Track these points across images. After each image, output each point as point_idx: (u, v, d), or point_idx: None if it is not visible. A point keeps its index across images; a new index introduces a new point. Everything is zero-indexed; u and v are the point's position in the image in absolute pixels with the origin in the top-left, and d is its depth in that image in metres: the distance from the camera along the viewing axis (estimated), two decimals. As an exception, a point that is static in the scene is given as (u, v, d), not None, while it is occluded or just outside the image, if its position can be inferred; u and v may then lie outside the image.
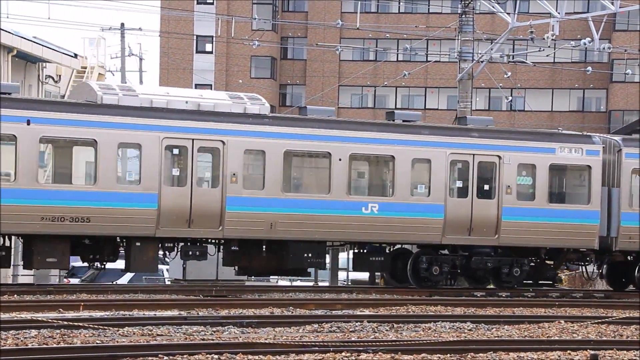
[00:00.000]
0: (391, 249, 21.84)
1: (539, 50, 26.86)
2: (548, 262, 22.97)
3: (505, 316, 17.49)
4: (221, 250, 20.65)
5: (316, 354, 11.95)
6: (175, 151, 19.59)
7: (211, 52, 60.93)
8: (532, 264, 22.59)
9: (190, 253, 19.92)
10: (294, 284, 26.83)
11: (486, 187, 21.68)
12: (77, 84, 34.67)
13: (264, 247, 20.63)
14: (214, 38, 57.49)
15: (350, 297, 20.20)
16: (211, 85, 60.62)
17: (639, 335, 15.53)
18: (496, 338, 14.52)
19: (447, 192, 21.28)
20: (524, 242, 22.06)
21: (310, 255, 20.71)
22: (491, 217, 21.56)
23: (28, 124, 18.50)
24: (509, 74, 32.31)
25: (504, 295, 21.83)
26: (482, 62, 27.06)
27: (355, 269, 22.56)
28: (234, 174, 19.74)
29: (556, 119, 57.96)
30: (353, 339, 13.69)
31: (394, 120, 21.72)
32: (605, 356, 12.68)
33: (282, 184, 20.19)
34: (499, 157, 21.67)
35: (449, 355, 12.33)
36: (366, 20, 55.99)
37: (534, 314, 18.32)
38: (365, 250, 21.71)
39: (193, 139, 19.51)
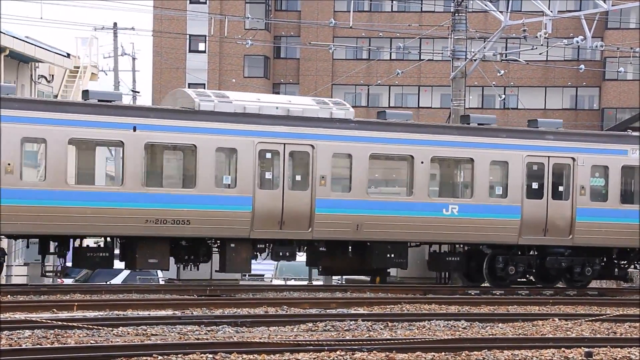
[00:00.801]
0: (466, 249, 22.42)
1: (532, 49, 26.93)
2: (617, 261, 23.48)
3: (499, 314, 17.51)
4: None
5: (311, 353, 11.95)
6: (268, 155, 20.32)
7: (204, 52, 60.87)
8: (602, 263, 23.23)
9: (281, 254, 20.66)
10: (288, 282, 26.83)
11: (560, 188, 22.30)
12: (70, 83, 34.61)
13: (350, 247, 21.31)
14: (207, 37, 57.43)
15: (344, 296, 20.20)
16: (204, 84, 60.55)
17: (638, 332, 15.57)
18: (490, 336, 14.54)
19: (523, 194, 21.95)
20: (597, 242, 22.62)
21: (392, 255, 21.34)
22: (566, 217, 22.25)
23: (134, 130, 19.34)
24: (502, 72, 32.32)
25: (498, 294, 21.86)
26: (475, 60, 27.08)
27: (430, 269, 23.12)
28: (323, 177, 20.49)
29: (549, 117, 57.99)
30: (347, 337, 13.69)
31: (469, 123, 22.40)
32: (599, 353, 12.70)
33: (368, 187, 20.90)
34: (573, 159, 22.33)
35: (443, 353, 12.34)
36: (359, 19, 55.98)
37: (528, 312, 18.35)
38: (441, 251, 22.30)
39: (285, 143, 20.31)
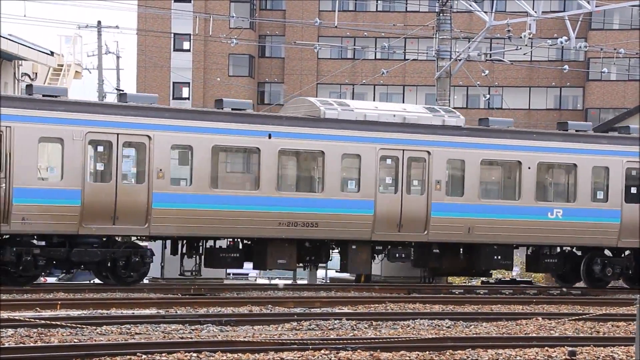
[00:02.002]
0: (559, 251, 23.26)
1: (516, 49, 27.00)
2: None
3: (483, 313, 17.56)
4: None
5: (295, 352, 11.94)
6: (389, 161, 21.34)
7: (189, 50, 60.71)
8: None
9: (397, 255, 21.65)
10: (273, 282, 26.79)
11: None
12: (53, 82, 34.41)
13: (461, 250, 22.34)
14: (192, 36, 57.29)
15: (329, 294, 20.20)
16: (189, 83, 60.43)
17: None
18: (474, 335, 14.57)
19: (622, 198, 23.02)
20: None
21: (499, 257, 22.36)
22: None
23: (269, 137, 20.36)
24: (487, 72, 32.36)
25: (482, 293, 21.93)
26: (459, 60, 27.14)
27: (528, 270, 24.15)
28: (438, 182, 21.53)
29: (533, 117, 58.27)
30: (332, 336, 13.69)
31: (567, 130, 23.31)
32: (582, 352, 12.75)
33: (479, 191, 21.96)
34: None
35: (427, 352, 12.35)
36: (344, 19, 55.93)
37: (512, 311, 18.40)
38: (541, 253, 23.06)
39: (403, 150, 21.38)
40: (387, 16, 59.15)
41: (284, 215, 20.40)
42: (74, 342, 12.43)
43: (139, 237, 20.21)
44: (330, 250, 21.54)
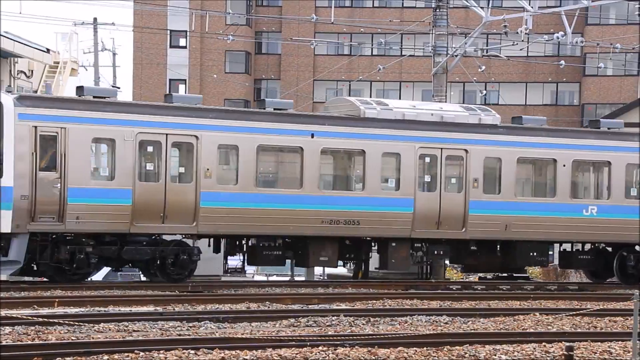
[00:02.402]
0: (597, 248, 23.64)
1: (513, 44, 26.95)
2: None
3: (480, 309, 17.56)
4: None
5: (293, 349, 11.94)
6: (427, 159, 21.72)
7: (185, 47, 60.61)
8: None
9: (435, 252, 22.05)
10: (270, 278, 26.79)
11: None
12: (49, 79, 34.33)
13: (499, 247, 22.65)
14: (188, 33, 57.19)
15: (326, 291, 20.20)
16: (185, 80, 60.34)
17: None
18: (472, 331, 14.57)
19: None
20: None
21: (535, 254, 22.70)
22: None
23: (312, 137, 20.76)
24: (483, 68, 32.34)
25: (479, 289, 21.94)
26: (456, 56, 27.11)
27: (561, 267, 24.63)
28: (476, 180, 21.90)
29: (530, 113, 58.19)
30: (330, 333, 13.69)
31: (599, 128, 23.68)
32: (579, 347, 12.76)
33: (516, 188, 22.28)
34: None
35: (425, 348, 12.35)
36: (340, 15, 55.92)
37: (509, 306, 18.40)
38: (573, 249, 23.54)
39: (442, 148, 21.72)
40: (384, 12, 59.11)
41: (326, 214, 20.79)
42: (72, 339, 12.41)
43: (185, 236, 20.43)
44: (372, 247, 21.93)
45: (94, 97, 19.53)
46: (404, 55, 50.87)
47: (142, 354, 11.48)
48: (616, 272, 23.66)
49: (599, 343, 13.25)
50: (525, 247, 22.46)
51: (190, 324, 14.41)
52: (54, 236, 19.08)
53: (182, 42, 60.51)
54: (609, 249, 23.70)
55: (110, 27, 46.26)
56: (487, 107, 23.45)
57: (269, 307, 17.20)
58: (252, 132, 20.30)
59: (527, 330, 14.69)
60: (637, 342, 12.05)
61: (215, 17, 50.01)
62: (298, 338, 12.64)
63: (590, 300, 19.88)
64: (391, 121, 21.45)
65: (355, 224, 20.93)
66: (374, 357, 11.70)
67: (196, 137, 19.81)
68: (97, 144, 19.45)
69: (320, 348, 11.97)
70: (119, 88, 50.36)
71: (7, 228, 18.44)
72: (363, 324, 15.19)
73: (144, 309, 16.24)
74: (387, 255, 21.57)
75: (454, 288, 21.85)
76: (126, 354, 11.42)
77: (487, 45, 39.07)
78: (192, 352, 11.64)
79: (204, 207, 19.76)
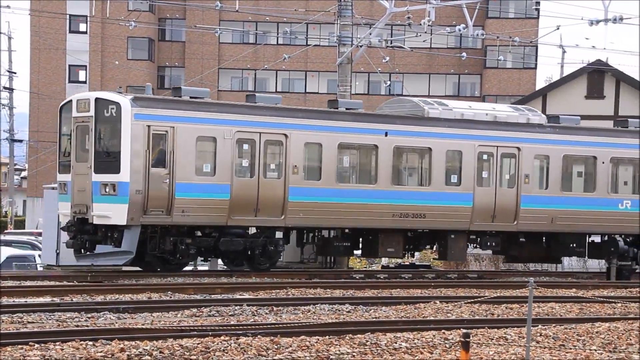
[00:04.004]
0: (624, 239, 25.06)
1: (416, 36, 27.26)
2: None
3: (382, 297, 17.75)
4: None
5: (194, 339, 11.82)
6: (485, 157, 23.17)
7: (85, 32, 59.35)
8: None
9: (489, 244, 23.52)
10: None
11: None
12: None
13: (544, 238, 24.23)
14: (88, 18, 55.99)
15: (229, 281, 20.12)
16: (86, 66, 59.09)
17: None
18: (374, 319, 14.72)
19: None
20: None
21: (575, 245, 24.34)
22: None
23: (386, 135, 22.15)
24: (387, 58, 32.63)
25: (382, 277, 22.18)
26: (361, 46, 27.28)
27: (590, 257, 25.78)
28: (527, 176, 23.45)
29: (433, 104, 59.11)
30: (232, 322, 13.62)
31: (626, 127, 25.11)
32: (477, 334, 13.01)
33: (561, 184, 23.83)
34: None
35: (327, 337, 12.40)
36: (246, 3, 55.61)
37: (411, 295, 18.66)
38: (602, 241, 24.99)
39: (497, 146, 23.26)
40: (289, 1, 59.04)
41: (397, 207, 22.22)
42: (-36, 332, 12.00)
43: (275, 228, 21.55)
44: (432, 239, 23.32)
45: (190, 97, 20.78)
46: (310, 45, 50.94)
47: (37, 345, 11.19)
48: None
49: (496, 329, 13.54)
50: (567, 238, 24.14)
51: (89, 315, 14.14)
52: (156, 229, 20.15)
53: (83, 27, 59.21)
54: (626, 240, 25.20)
55: (6, 10, 44.93)
56: (531, 107, 25.06)
57: (170, 297, 17.01)
58: (334, 131, 21.70)
59: (428, 318, 14.91)
60: (531, 328, 12.35)
61: (117, 3, 49.08)
62: (200, 328, 12.54)
63: (489, 288, 20.32)
64: (453, 121, 22.97)
65: (421, 217, 22.44)
66: (276, 346, 11.68)
67: (285, 135, 21.17)
68: (201, 141, 20.51)
69: (222, 338, 11.89)
70: (14, 73, 48.97)
71: (122, 220, 19.67)
72: (266, 313, 15.17)
73: (40, 299, 15.85)
74: (446, 246, 23.00)
75: (357, 277, 22.04)
76: (20, 346, 11.11)
77: (391, 37, 39.44)
78: (90, 343, 11.41)
79: (291, 202, 21.14)
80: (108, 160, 19.92)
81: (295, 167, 21.14)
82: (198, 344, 11.51)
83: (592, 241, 25.07)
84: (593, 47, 53.72)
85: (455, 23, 29.21)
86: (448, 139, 22.72)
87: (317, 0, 56.95)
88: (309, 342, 12.01)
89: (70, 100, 20.90)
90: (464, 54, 33.60)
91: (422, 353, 11.77)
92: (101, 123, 20.10)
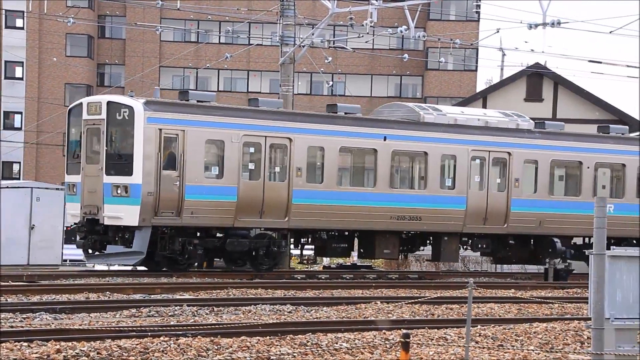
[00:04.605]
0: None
1: (359, 37, 27.33)
2: None
3: (324, 298, 17.74)
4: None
5: (133, 339, 11.66)
6: (477, 161, 24.01)
7: (22, 28, 58.32)
8: None
9: (480, 246, 24.19)
10: (112, 268, 26.17)
11: None
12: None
13: (532, 240, 24.97)
14: (25, 13, 55.04)
15: (170, 281, 19.92)
16: (22, 62, 58.08)
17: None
18: (315, 320, 14.69)
19: None
20: None
21: (564, 247, 24.86)
22: None
23: (384, 140, 22.75)
24: (330, 59, 32.66)
25: (323, 278, 22.18)
26: (303, 46, 27.25)
27: (573, 259, 26.29)
28: (517, 180, 24.23)
29: (375, 104, 59.34)
30: (172, 323, 13.48)
31: (608, 133, 25.98)
32: (417, 334, 13.06)
33: (549, 188, 24.63)
34: None
35: (268, 337, 12.34)
36: (187, 2, 55.25)
37: (352, 295, 18.68)
38: (583, 243, 25.72)
39: (489, 151, 24.06)
40: (231, 1, 58.79)
41: (395, 210, 22.86)
42: None
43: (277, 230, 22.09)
44: (426, 241, 24.01)
45: (198, 100, 21.33)
46: (252, 44, 50.77)
47: (-29, 347, 10.91)
48: None
49: (436, 330, 13.61)
50: (553, 241, 24.74)
51: (24, 316, 13.86)
52: (165, 230, 20.64)
53: (19, 22, 58.17)
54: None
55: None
56: (519, 113, 25.71)
57: (109, 297, 16.78)
58: (336, 135, 22.29)
59: (368, 319, 14.93)
60: (471, 328, 12.44)
61: (57, -1, 48.32)
62: (139, 328, 12.37)
63: (429, 288, 20.45)
64: (447, 126, 23.68)
65: (417, 220, 23.10)
66: (216, 347, 11.58)
67: (289, 139, 21.76)
68: (209, 145, 21.06)
69: (161, 338, 11.74)
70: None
71: (134, 222, 20.16)
72: (206, 314, 15.05)
73: (-25, 300, 15.49)
74: (439, 248, 23.65)
75: (299, 277, 22.00)
76: (-47, 348, 10.83)
77: (334, 37, 39.52)
78: (25, 344, 11.17)
79: (295, 204, 21.73)
80: (120, 163, 20.42)
81: (299, 170, 21.79)
82: (137, 344, 11.35)
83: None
84: (532, 50, 54.52)
85: (397, 24, 29.32)
86: (443, 143, 23.45)
87: (259, 0, 56.82)
88: (250, 342, 11.93)
89: (80, 103, 21.35)
90: (406, 55, 33.81)
91: (362, 353, 11.77)
92: (113, 126, 20.60)
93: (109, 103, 20.70)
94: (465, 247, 24.35)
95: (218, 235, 21.40)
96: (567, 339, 13.38)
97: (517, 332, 13.60)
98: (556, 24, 23.84)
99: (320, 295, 18.32)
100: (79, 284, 18.50)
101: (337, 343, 12.19)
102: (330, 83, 48.37)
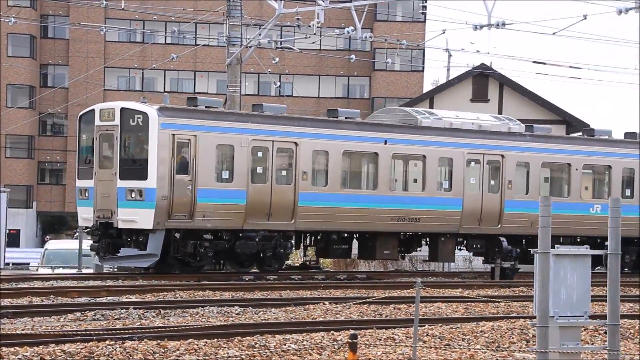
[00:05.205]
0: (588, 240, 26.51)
1: (306, 37, 27.30)
2: None
3: (272, 299, 17.67)
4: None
5: (78, 344, 11.47)
6: (473, 164, 24.62)
7: (-37, 28, 57.31)
8: None
9: (474, 246, 24.84)
10: (56, 271, 25.81)
11: None
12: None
13: (524, 240, 25.55)
14: (-33, 13, 53.98)
15: (116, 284, 19.69)
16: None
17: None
18: (263, 321, 14.63)
19: (639, 195, 26.79)
20: None
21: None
22: None
23: (385, 143, 23.40)
24: (277, 59, 32.60)
25: (271, 279, 22.12)
26: (250, 47, 27.15)
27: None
28: (510, 182, 24.91)
29: (323, 105, 59.46)
30: (118, 326, 13.31)
31: (593, 136, 26.76)
32: (365, 335, 13.07)
33: (540, 190, 25.35)
34: None
35: (215, 340, 12.24)
36: (132, 1, 54.73)
37: (300, 296, 18.64)
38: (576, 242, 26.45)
39: (484, 154, 24.80)
40: (177, 1, 58.39)
41: (395, 212, 23.51)
42: None
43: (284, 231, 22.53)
44: (423, 241, 24.67)
45: (206, 106, 21.88)
46: (198, 45, 50.50)
47: None
48: (605, 262, 26.93)
49: (384, 330, 13.63)
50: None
51: (-34, 321, 13.56)
52: (176, 233, 21.06)
53: (-40, 22, 57.12)
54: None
55: None
56: (510, 117, 26.54)
57: (53, 301, 16.53)
58: (340, 139, 22.95)
59: (317, 320, 14.90)
60: (418, 328, 12.49)
61: (-1, -2, 47.51)
62: (84, 332, 12.20)
63: (377, 288, 20.49)
64: (444, 129, 24.36)
65: (417, 221, 23.79)
66: (163, 350, 11.46)
67: (296, 143, 22.37)
68: (220, 149, 21.65)
69: (107, 342, 11.58)
70: None
71: (149, 225, 20.73)
72: (153, 317, 14.90)
73: None
74: (436, 248, 24.32)
75: (247, 279, 21.91)
76: None
77: (281, 38, 39.50)
78: (-33, 351, 10.93)
79: (301, 206, 22.36)
80: (134, 167, 20.92)
81: (305, 174, 22.36)
82: (82, 349, 11.18)
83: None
84: (478, 51, 54.95)
85: (344, 25, 29.39)
86: (440, 147, 24.17)
87: (205, 0, 56.51)
88: (197, 345, 11.83)
89: (92, 110, 21.82)
90: (353, 56, 33.90)
91: (310, 355, 11.74)
92: (127, 132, 21.16)
93: (122, 109, 21.26)
94: (460, 247, 25.33)
95: (225, 237, 21.95)
96: (513, 338, 13.49)
97: (464, 331, 13.68)
98: (501, 25, 24.06)
99: (269, 297, 18.24)
100: (22, 287, 18.19)
101: (285, 344, 12.14)
102: (278, 84, 48.28)
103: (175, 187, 20.88)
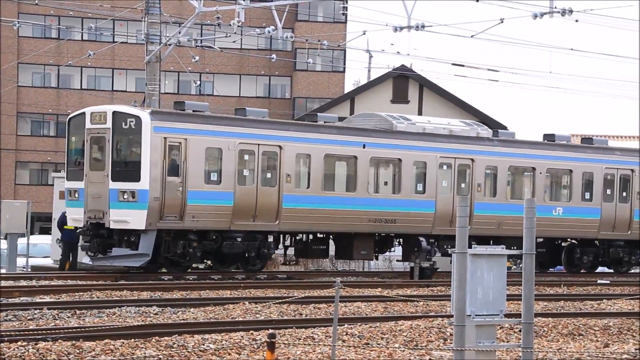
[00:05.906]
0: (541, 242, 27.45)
1: (226, 36, 27.16)
2: None
3: (191, 299, 17.53)
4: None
5: (-11, 346, 11.17)
6: (445, 167, 25.44)
7: None
8: None
9: (445, 247, 25.24)
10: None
11: (624, 194, 28.10)
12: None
13: (491, 242, 26.24)
14: None
15: (29, 284, 19.27)
16: None
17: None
18: (181, 321, 14.49)
19: (601, 198, 27.77)
20: None
21: (516, 248, 25.94)
22: (625, 217, 28.07)
23: (364, 147, 24.20)
24: (197, 58, 32.35)
25: (191, 279, 21.93)
26: (169, 45, 26.87)
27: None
28: (479, 185, 25.82)
29: (244, 104, 59.19)
30: (31, 327, 13.01)
31: (553, 141, 27.76)
32: (285, 334, 13.05)
33: (507, 193, 26.32)
34: (632, 170, 28.20)
35: (133, 340, 12.06)
36: (49, -4, 53.65)
37: (220, 296, 18.53)
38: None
39: (455, 158, 25.62)
40: (96, -4, 57.44)
41: (373, 213, 24.27)
42: None
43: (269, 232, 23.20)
44: (395, 242, 25.51)
45: (193, 110, 22.49)
46: (116, 42, 49.80)
47: None
48: (564, 262, 28.06)
49: (304, 329, 13.63)
50: (511, 242, 26.03)
51: None
52: (169, 233, 21.60)
53: None
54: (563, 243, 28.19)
55: None
56: (479, 122, 27.69)
57: (-36, 303, 16.05)
58: (321, 143, 23.63)
59: (236, 319, 14.82)
60: (338, 327, 12.53)
61: None
62: (-5, 334, 11.86)
63: (297, 288, 20.51)
64: (418, 134, 25.29)
65: (393, 222, 24.59)
66: (78, 350, 11.24)
67: (280, 147, 23.01)
68: (209, 152, 22.22)
69: (19, 343, 11.31)
70: None
71: (141, 225, 21.26)
72: (68, 317, 14.62)
73: None
74: (410, 248, 25.01)
75: (165, 278, 21.69)
76: None
77: (201, 36, 39.16)
78: None
79: (285, 208, 22.97)
80: (127, 169, 21.47)
81: (289, 176, 23.06)
82: (-7, 351, 10.88)
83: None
84: (398, 52, 55.45)
85: (265, 25, 29.32)
86: (415, 150, 25.05)
87: (125, -3, 55.72)
88: (114, 345, 11.63)
89: (83, 113, 22.25)
90: (274, 55, 33.84)
91: (229, 354, 11.66)
92: (119, 135, 21.68)
93: (114, 113, 21.75)
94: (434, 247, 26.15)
95: (215, 238, 22.51)
96: (431, 336, 13.64)
97: (383, 330, 13.77)
98: (420, 27, 24.32)
99: (188, 297, 18.07)
100: None
101: (204, 344, 12.04)
102: (198, 83, 47.96)
103: (166, 189, 21.48)
